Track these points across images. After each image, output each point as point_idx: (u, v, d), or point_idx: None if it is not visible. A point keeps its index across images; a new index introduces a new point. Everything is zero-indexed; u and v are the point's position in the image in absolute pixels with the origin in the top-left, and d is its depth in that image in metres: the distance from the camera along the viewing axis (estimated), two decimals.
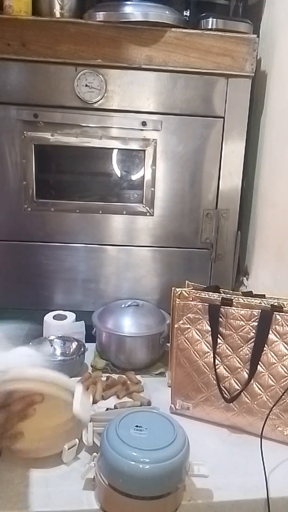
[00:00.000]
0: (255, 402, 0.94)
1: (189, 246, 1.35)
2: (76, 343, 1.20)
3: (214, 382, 0.96)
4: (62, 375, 0.74)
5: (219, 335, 0.96)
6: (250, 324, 0.93)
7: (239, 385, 0.95)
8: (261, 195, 1.31)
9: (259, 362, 0.93)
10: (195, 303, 0.97)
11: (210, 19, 1.18)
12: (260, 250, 1.32)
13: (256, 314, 0.92)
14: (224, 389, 0.96)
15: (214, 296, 0.97)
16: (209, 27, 1.18)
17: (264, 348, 0.92)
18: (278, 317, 0.91)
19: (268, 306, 0.93)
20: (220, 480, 0.82)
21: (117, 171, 1.33)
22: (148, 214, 1.31)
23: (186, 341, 0.98)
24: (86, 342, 1.22)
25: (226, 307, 0.94)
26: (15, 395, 0.69)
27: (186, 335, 0.98)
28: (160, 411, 0.84)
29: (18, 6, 1.14)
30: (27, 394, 0.69)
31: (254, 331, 0.93)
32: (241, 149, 1.28)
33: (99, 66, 1.19)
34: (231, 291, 1.04)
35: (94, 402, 1.03)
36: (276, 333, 0.92)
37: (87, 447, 0.86)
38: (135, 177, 1.33)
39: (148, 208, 1.31)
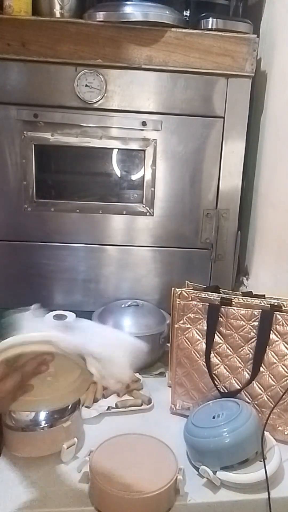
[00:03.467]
0: (256, 402, 0.94)
1: (189, 246, 1.35)
2: None
3: (215, 381, 0.96)
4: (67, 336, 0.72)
5: (220, 335, 0.95)
6: (251, 324, 0.93)
7: (240, 385, 0.95)
8: (261, 195, 1.31)
9: None
10: (195, 303, 0.97)
11: (210, 19, 1.18)
12: (260, 250, 1.32)
13: (257, 314, 0.92)
14: (224, 389, 0.96)
15: (214, 296, 0.97)
16: (209, 27, 1.18)
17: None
18: (278, 316, 0.91)
19: (268, 306, 0.93)
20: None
21: (117, 171, 1.33)
22: (148, 214, 1.31)
23: (187, 341, 0.98)
24: None
25: (226, 307, 0.94)
26: (25, 357, 0.69)
27: (187, 335, 0.98)
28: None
29: (18, 6, 1.14)
30: (38, 355, 0.69)
31: (254, 331, 0.93)
32: (241, 149, 1.28)
33: (99, 66, 1.19)
34: (231, 291, 1.04)
35: (95, 400, 1.03)
36: (276, 333, 0.92)
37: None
38: (135, 177, 1.33)
39: (148, 208, 1.31)
